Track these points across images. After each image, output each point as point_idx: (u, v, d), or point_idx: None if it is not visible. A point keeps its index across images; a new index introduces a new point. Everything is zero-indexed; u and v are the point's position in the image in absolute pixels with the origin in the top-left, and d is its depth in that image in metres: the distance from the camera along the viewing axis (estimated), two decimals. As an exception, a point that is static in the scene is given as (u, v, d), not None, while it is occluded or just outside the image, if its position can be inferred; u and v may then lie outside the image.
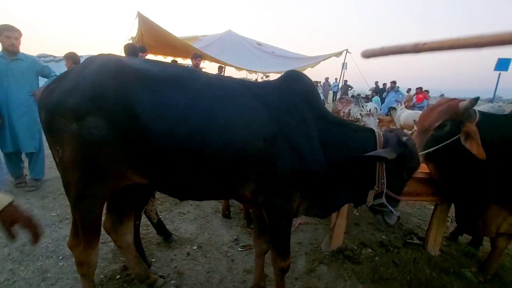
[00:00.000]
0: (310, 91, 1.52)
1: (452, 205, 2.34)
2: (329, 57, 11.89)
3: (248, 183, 1.39)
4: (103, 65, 1.22)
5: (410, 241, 2.66)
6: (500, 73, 9.91)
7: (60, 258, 2.10)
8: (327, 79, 16.80)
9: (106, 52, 1.40)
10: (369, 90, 13.15)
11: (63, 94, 1.16)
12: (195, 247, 2.35)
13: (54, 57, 9.46)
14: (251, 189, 1.40)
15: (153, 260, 2.14)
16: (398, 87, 10.92)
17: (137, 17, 7.22)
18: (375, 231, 2.85)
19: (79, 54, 3.93)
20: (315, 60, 11.93)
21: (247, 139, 1.29)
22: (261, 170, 1.35)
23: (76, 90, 1.15)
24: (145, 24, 7.46)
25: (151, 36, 7.94)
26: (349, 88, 14.72)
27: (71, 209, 1.32)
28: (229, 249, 2.37)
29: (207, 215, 2.93)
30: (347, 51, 11.83)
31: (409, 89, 10.06)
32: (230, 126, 1.28)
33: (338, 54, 11.88)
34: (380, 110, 8.02)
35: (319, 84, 15.08)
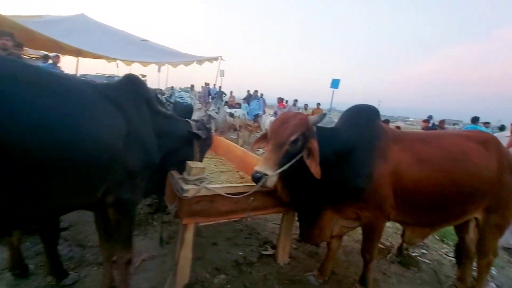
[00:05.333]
0: (148, 93, 1.78)
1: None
2: (203, 60, 11.73)
3: (103, 186, 1.43)
4: None
5: (264, 252, 2.60)
6: (334, 90, 12.77)
7: None
8: (207, 84, 16.63)
9: None
10: (241, 99, 13.98)
11: None
12: None
13: None
14: (102, 191, 1.45)
15: None
16: (262, 94, 12.38)
17: None
18: (233, 247, 2.65)
19: None
20: (189, 59, 11.43)
21: (107, 143, 1.34)
22: (116, 169, 1.43)
23: None
24: None
25: None
26: (223, 95, 15.17)
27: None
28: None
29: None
30: (221, 58, 12.06)
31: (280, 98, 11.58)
32: (91, 130, 1.28)
33: (212, 60, 11.91)
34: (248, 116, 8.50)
35: (194, 89, 14.75)
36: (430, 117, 8.76)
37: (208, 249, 2.53)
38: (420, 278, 2.67)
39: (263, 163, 1.74)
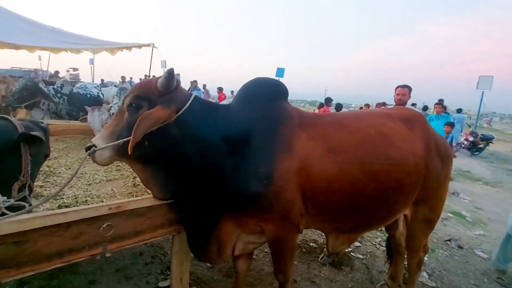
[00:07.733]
0: None
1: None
2: (131, 47, 10.35)
3: None
4: None
5: (162, 284, 1.98)
6: (280, 79, 12.67)
7: None
8: (147, 76, 14.99)
9: None
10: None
11: None
12: None
13: None
14: None
15: None
16: (205, 85, 12.05)
17: None
18: (121, 283, 1.97)
19: None
20: (113, 46, 9.93)
21: None
22: None
23: None
24: None
25: None
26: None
27: None
28: None
29: None
30: (154, 46, 10.80)
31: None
32: None
33: (142, 46, 10.55)
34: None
35: (125, 82, 13.24)
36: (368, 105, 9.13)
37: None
38: (352, 279, 2.35)
39: (100, 133, 1.38)
